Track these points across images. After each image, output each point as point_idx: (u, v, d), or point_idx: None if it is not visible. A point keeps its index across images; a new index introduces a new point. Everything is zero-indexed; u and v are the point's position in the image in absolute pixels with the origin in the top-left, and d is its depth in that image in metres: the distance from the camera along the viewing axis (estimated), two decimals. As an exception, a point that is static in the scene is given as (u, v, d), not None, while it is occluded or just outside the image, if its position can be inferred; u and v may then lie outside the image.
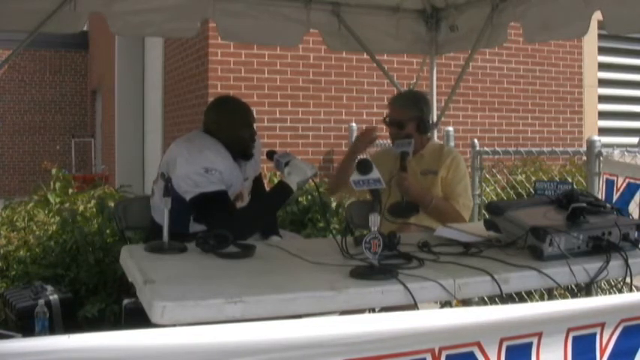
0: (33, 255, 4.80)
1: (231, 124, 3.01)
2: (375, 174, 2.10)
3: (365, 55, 5.02)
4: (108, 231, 4.81)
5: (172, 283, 1.89)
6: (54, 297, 4.08)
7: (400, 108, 3.38)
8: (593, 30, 4.20)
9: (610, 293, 3.55)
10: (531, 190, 4.02)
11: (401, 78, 5.67)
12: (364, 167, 2.11)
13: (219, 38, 4.26)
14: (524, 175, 5.14)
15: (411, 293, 1.86)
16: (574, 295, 2.68)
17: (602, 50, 8.14)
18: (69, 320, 4.12)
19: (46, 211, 5.43)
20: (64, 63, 15.25)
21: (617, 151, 3.76)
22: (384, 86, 6.52)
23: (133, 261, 2.16)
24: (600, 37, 7.81)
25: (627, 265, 2.19)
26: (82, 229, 4.76)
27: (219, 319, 1.66)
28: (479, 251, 2.32)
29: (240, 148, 3.04)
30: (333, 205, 5.61)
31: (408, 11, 4.47)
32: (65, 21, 3.59)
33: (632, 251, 2.28)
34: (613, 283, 2.99)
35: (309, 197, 5.45)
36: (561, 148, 5.01)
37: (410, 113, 3.33)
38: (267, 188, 3.34)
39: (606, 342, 1.62)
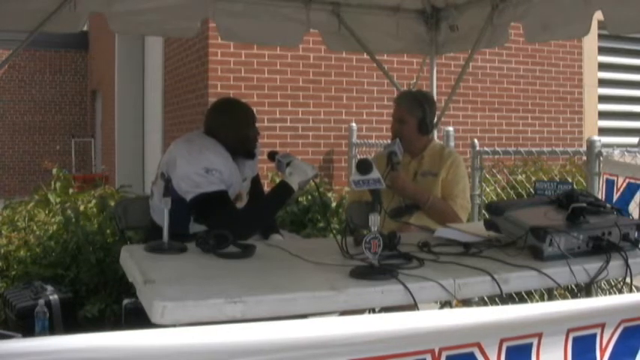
0: (33, 255, 4.80)
1: (237, 124, 3.03)
2: (375, 174, 2.10)
3: (365, 55, 5.02)
4: (108, 231, 4.81)
5: (172, 283, 1.89)
6: (54, 297, 4.08)
7: (403, 106, 3.42)
8: (593, 30, 4.20)
9: (610, 293, 3.55)
10: (531, 190, 4.02)
11: (401, 78, 5.67)
12: (364, 167, 2.11)
13: (219, 38, 4.27)
14: (524, 175, 5.14)
15: (411, 293, 1.86)
16: (574, 295, 2.68)
17: (602, 50, 8.14)
18: (69, 320, 4.12)
19: (47, 211, 5.42)
20: (64, 63, 15.24)
21: (617, 151, 3.76)
22: (384, 86, 6.52)
23: (133, 261, 2.16)
24: (600, 37, 7.80)
25: (627, 265, 2.18)
26: (84, 229, 4.77)
27: (220, 319, 1.66)
28: (479, 251, 2.32)
29: (246, 147, 3.08)
30: (333, 205, 5.62)
31: (408, 11, 4.47)
32: (65, 21, 3.59)
33: (632, 251, 2.28)
34: (613, 283, 2.99)
35: (309, 197, 5.46)
36: (561, 148, 5.01)
37: (411, 112, 3.36)
38: (268, 188, 3.35)
39: (606, 342, 1.62)
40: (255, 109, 3.25)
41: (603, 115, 8.22)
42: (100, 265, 4.57)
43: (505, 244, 2.37)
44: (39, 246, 4.86)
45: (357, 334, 1.29)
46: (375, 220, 1.96)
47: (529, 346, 1.51)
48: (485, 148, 4.75)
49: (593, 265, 2.17)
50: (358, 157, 6.29)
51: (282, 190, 2.86)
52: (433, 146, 3.49)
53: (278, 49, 6.44)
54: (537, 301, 4.24)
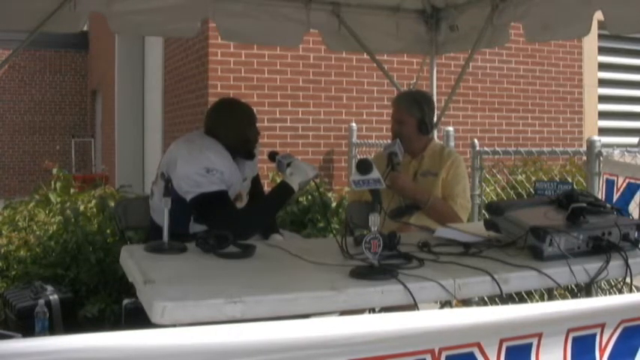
0: (33, 255, 4.80)
1: (237, 125, 3.04)
2: (375, 174, 2.10)
3: (365, 55, 5.02)
4: (108, 231, 4.81)
5: (172, 283, 1.88)
6: (54, 297, 4.08)
7: (402, 106, 3.42)
8: (593, 30, 4.20)
9: (610, 293, 3.55)
10: (531, 190, 4.02)
11: (401, 78, 5.67)
12: (364, 167, 2.11)
13: (219, 38, 4.27)
14: (524, 175, 5.14)
15: (411, 293, 1.86)
16: (574, 295, 2.68)
17: (602, 50, 8.14)
18: (69, 320, 4.12)
19: (47, 211, 5.43)
20: (64, 63, 15.24)
21: (617, 151, 3.76)
22: (384, 86, 6.52)
23: (133, 261, 2.16)
24: (600, 37, 7.80)
25: (627, 265, 2.18)
26: (84, 229, 4.77)
27: (219, 319, 1.66)
28: (479, 251, 2.31)
29: (246, 147, 3.08)
30: (333, 205, 5.62)
31: (408, 11, 4.47)
32: (65, 21, 3.59)
33: (632, 251, 2.27)
34: (613, 283, 2.99)
35: (309, 197, 5.46)
36: (561, 148, 5.01)
37: (410, 113, 3.36)
38: (269, 188, 3.36)
39: (606, 343, 1.62)
40: (255, 109, 3.25)
41: (603, 115, 8.22)
42: (100, 265, 4.57)
43: (505, 244, 2.36)
44: (39, 246, 4.86)
45: (357, 334, 1.29)
46: (375, 220, 1.96)
47: (529, 346, 1.50)
48: (485, 148, 4.75)
49: (593, 265, 2.16)
50: (358, 157, 6.29)
51: (283, 190, 2.87)
52: (433, 146, 3.48)
53: (278, 49, 6.44)
54: (537, 301, 4.24)
